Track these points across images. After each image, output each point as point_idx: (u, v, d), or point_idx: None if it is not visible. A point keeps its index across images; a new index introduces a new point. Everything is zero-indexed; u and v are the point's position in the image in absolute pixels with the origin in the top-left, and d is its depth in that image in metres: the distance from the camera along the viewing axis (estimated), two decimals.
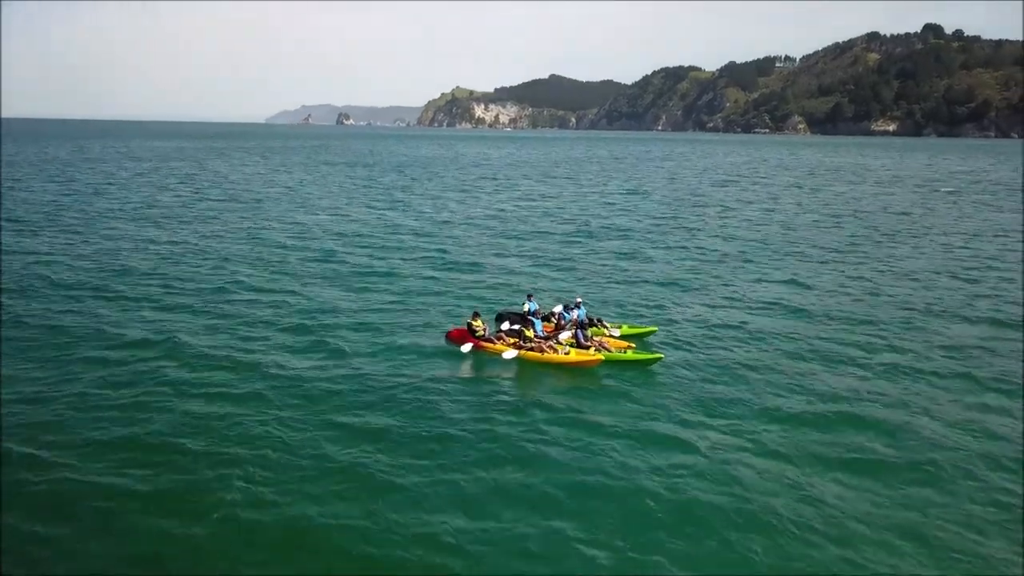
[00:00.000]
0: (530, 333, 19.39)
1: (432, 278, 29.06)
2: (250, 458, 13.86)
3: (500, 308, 23.34)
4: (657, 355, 18.55)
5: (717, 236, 41.75)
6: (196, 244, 35.66)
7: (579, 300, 21.76)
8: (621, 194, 68.83)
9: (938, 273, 31.61)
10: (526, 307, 22.10)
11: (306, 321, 22.77)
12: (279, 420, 15.61)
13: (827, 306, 25.35)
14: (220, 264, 31.07)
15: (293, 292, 26.43)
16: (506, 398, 17.07)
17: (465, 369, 19.10)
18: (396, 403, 16.66)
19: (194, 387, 17.37)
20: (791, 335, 21.80)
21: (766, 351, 20.24)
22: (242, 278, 28.35)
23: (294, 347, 20.42)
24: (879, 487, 13.09)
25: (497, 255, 34.25)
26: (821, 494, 12.79)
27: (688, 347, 20.37)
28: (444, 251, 35.13)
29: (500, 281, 28.69)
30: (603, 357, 18.40)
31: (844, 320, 23.66)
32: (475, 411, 16.33)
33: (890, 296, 27.19)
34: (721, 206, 58.34)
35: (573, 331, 19.94)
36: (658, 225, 46.26)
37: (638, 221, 48.05)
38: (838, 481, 13.26)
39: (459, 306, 24.52)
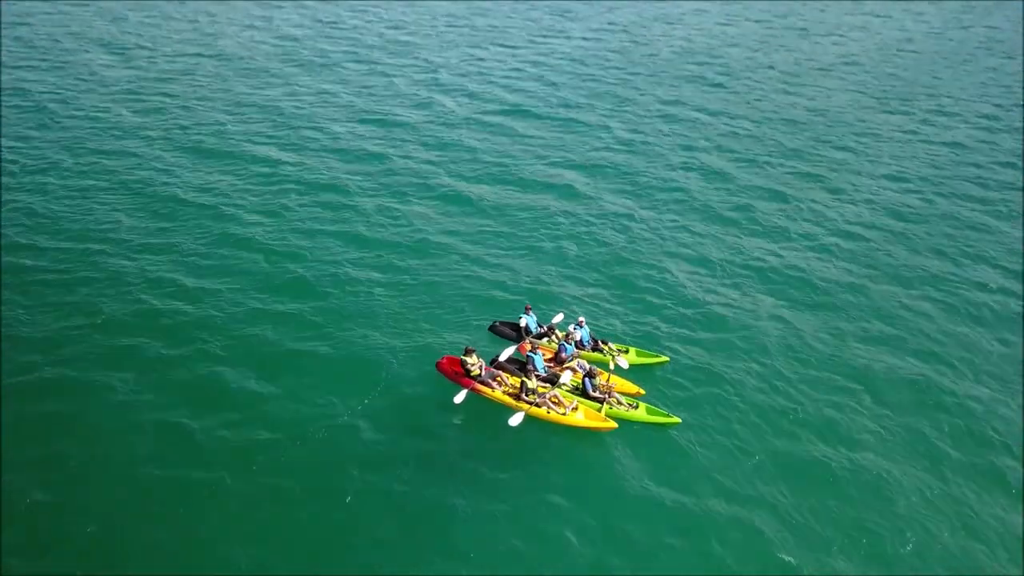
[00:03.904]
0: (532, 383, 17.46)
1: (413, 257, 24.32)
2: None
3: (495, 318, 21.12)
4: (673, 419, 16.99)
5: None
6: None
7: (581, 320, 19.66)
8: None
9: None
10: (523, 321, 20.07)
11: (255, 330, 20.03)
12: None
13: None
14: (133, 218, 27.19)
15: (242, 267, 23.15)
16: (502, 472, 15.74)
17: (458, 415, 17.47)
18: (373, 460, 15.74)
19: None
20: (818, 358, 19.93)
21: (787, 391, 18.73)
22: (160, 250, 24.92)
23: (244, 364, 18.52)
24: None
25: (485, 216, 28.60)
26: None
27: (707, 383, 18.65)
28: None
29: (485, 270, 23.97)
30: (615, 425, 16.79)
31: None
32: (461, 477, 15.46)
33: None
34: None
35: (580, 375, 18.17)
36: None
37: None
38: None
39: (450, 311, 21.49)
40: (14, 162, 30.01)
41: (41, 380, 17.97)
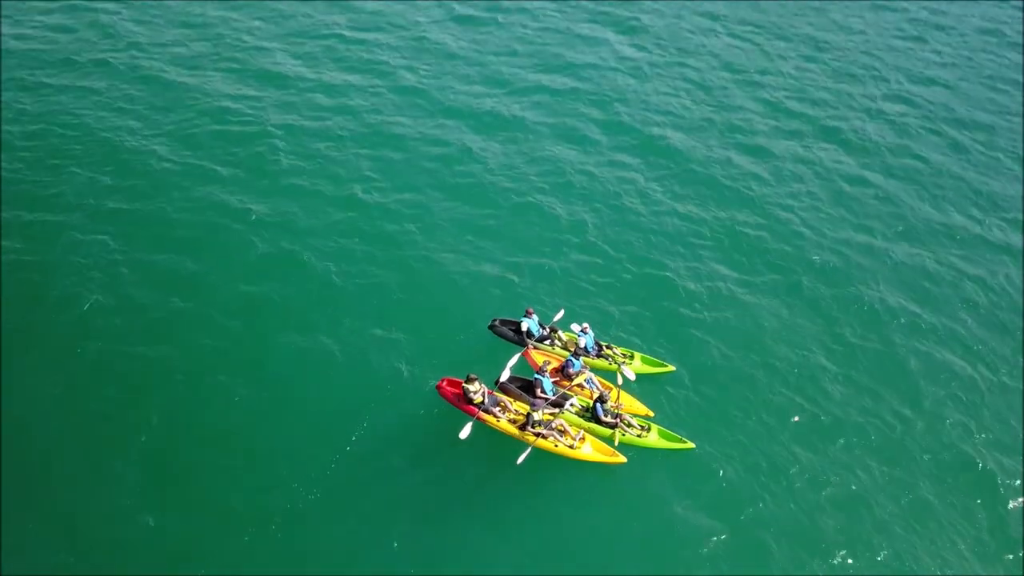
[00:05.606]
0: (538, 415, 16.65)
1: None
2: None
3: (496, 316, 19.83)
4: (687, 444, 16.44)
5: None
6: None
7: (586, 326, 18.61)
8: None
9: None
10: (524, 325, 19.05)
11: (237, 339, 18.95)
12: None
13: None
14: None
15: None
16: (506, 502, 15.75)
17: (460, 443, 16.81)
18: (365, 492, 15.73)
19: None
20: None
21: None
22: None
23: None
24: None
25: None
26: None
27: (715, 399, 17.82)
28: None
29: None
30: (624, 459, 16.23)
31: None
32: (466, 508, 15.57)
33: None
34: None
35: (591, 392, 17.48)
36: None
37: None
38: None
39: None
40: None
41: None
